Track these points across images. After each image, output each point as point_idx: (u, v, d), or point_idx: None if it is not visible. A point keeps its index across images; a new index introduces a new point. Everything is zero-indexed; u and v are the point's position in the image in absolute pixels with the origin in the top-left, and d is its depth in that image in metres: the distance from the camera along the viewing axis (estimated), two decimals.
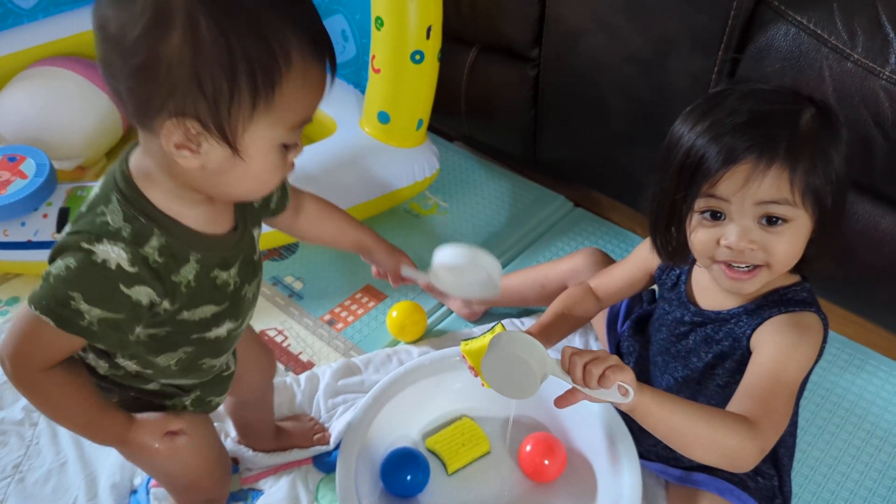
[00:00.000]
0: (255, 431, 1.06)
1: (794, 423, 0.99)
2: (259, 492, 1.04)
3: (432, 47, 1.32)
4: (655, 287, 1.05)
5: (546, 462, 1.03)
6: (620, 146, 1.39)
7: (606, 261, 1.18)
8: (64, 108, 1.44)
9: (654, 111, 1.30)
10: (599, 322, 1.18)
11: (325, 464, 1.06)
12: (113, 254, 0.62)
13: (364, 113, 1.43)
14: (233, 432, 1.08)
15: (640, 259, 1.03)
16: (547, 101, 1.44)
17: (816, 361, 0.88)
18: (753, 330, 0.87)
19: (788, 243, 0.81)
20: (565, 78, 1.39)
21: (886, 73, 1.01)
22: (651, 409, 0.78)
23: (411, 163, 1.43)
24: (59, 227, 1.27)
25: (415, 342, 1.25)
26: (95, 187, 0.67)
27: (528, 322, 1.26)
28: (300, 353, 1.23)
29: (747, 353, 0.88)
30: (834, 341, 1.26)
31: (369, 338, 1.26)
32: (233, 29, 0.55)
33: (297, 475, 1.05)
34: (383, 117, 1.39)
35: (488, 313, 1.30)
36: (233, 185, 0.64)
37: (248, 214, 0.75)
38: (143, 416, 0.73)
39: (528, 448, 1.04)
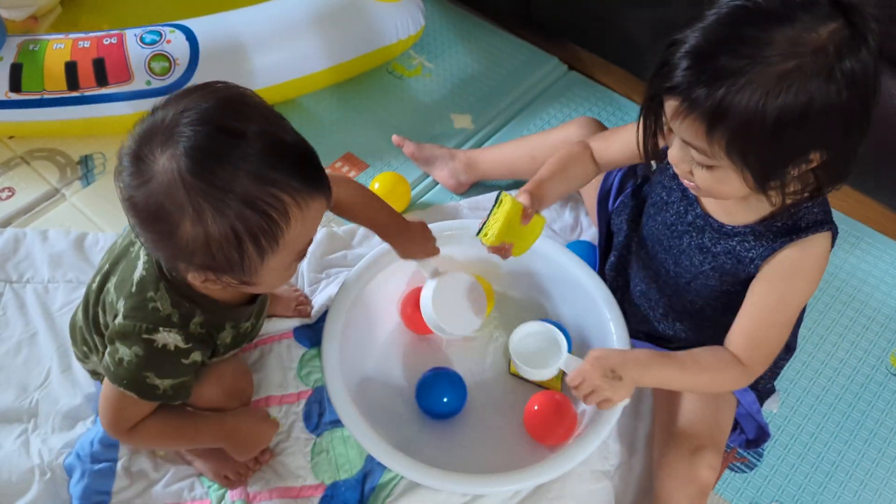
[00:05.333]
0: None
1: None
2: None
3: None
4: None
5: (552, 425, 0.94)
6: (619, 4, 1.29)
7: (601, 131, 1.11)
8: None
9: None
10: (591, 197, 1.12)
11: (307, 338, 1.03)
12: (170, 339, 0.78)
13: None
14: None
15: None
16: None
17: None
18: (763, 260, 0.83)
19: (711, 181, 0.76)
20: None
21: None
22: (651, 386, 0.91)
23: (394, 18, 1.33)
24: (12, 86, 1.17)
25: None
26: (139, 268, 0.78)
27: None
28: None
29: (752, 278, 0.85)
30: None
31: None
32: (233, 211, 0.65)
33: (277, 349, 1.02)
34: None
35: (477, 185, 1.24)
36: (250, 292, 0.82)
37: None
38: (233, 422, 0.90)
39: (535, 408, 0.96)
